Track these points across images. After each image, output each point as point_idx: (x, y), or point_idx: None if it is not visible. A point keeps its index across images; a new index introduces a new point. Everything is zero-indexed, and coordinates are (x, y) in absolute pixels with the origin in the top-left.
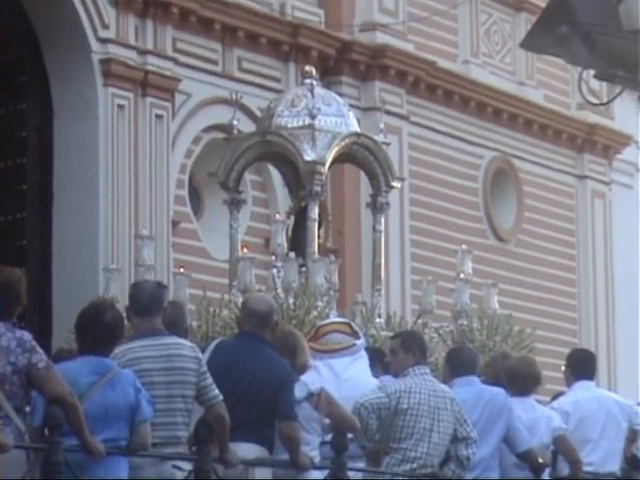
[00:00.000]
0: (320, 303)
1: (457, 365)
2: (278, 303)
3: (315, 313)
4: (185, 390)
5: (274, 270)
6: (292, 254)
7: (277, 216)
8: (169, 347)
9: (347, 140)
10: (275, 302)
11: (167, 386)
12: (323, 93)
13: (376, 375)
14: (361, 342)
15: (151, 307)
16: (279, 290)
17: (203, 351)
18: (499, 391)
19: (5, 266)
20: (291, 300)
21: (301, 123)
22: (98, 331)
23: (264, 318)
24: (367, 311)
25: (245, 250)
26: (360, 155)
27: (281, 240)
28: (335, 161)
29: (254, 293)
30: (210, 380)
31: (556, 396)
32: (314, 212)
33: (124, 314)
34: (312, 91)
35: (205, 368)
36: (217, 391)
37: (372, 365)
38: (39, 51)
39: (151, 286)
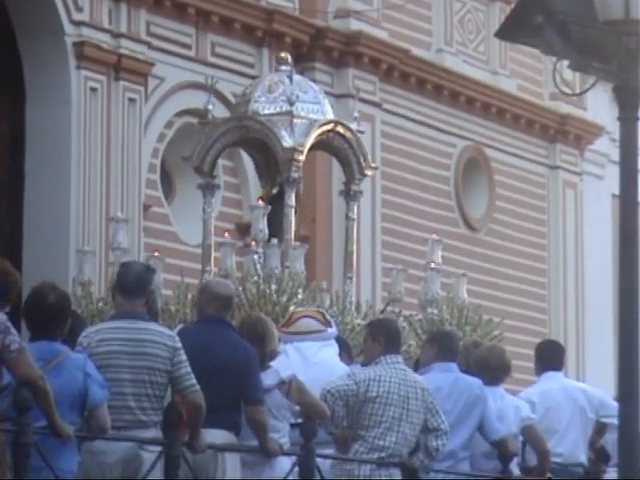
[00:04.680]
0: (300, 290)
1: (439, 350)
2: (260, 290)
3: (296, 300)
4: (154, 376)
5: (255, 256)
6: (274, 240)
7: (259, 202)
8: (142, 332)
9: (324, 127)
10: (257, 289)
11: (133, 370)
12: (300, 80)
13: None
14: (332, 330)
15: (135, 288)
16: (260, 276)
17: None
18: (475, 381)
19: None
20: (274, 287)
21: (278, 109)
22: (43, 315)
23: (228, 301)
24: (337, 299)
25: (227, 235)
26: (336, 142)
27: (262, 226)
28: (310, 148)
29: (213, 277)
30: (186, 370)
31: None
32: (291, 199)
33: (112, 293)
34: (291, 78)
35: (181, 358)
36: (194, 381)
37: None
38: (12, 33)
39: (139, 268)
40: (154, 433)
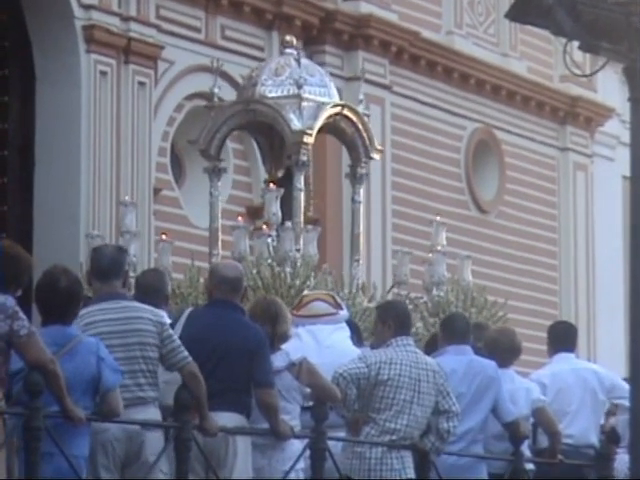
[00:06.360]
0: (312, 273)
1: (452, 333)
2: (275, 273)
3: (309, 283)
4: (145, 352)
5: (268, 239)
6: (288, 223)
7: (271, 185)
8: (127, 310)
9: (332, 110)
10: (271, 272)
11: (125, 348)
12: (307, 63)
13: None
14: (344, 313)
15: (111, 271)
16: (274, 259)
17: (175, 321)
18: (490, 363)
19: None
20: (288, 269)
21: (285, 92)
22: (55, 299)
23: (236, 284)
24: (342, 281)
25: (240, 219)
26: (343, 125)
27: (276, 209)
28: (317, 131)
29: (222, 260)
30: (177, 344)
31: None
32: (300, 181)
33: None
34: (298, 60)
35: (169, 332)
36: (186, 353)
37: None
38: (22, 16)
39: (111, 250)
40: (154, 410)
